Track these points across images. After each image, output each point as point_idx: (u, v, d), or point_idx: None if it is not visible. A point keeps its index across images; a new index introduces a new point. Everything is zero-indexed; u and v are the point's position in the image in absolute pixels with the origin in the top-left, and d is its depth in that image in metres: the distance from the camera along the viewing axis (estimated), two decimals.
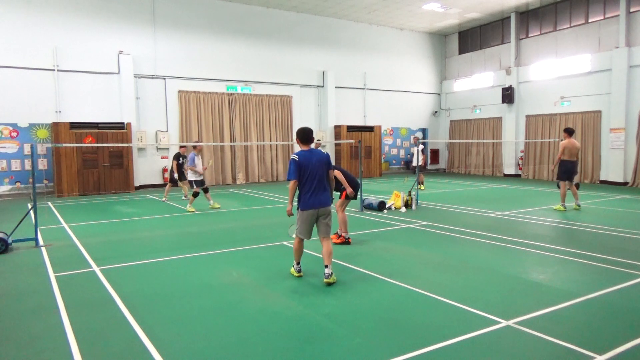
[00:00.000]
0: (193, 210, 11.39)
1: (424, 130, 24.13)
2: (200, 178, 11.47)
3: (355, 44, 21.39)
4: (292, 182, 5.42)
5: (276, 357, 3.68)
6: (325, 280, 5.34)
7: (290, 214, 5.51)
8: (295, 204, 5.55)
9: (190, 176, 11.51)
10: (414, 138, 15.37)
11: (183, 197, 13.57)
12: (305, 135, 5.49)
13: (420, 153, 13.93)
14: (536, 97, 19.70)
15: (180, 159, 13.02)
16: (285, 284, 5.56)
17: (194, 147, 11.62)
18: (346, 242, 7.48)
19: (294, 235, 7.11)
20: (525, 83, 20.15)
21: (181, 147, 13.21)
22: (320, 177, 5.43)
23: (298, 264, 5.74)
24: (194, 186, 11.43)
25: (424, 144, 16.60)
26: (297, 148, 20.73)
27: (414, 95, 23.57)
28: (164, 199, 13.36)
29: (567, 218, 9.87)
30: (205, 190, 11.61)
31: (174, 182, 13.51)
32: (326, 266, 5.38)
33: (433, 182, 18.22)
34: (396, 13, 20.07)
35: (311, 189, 5.38)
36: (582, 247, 7.12)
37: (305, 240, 5.62)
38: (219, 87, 18.28)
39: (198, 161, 11.37)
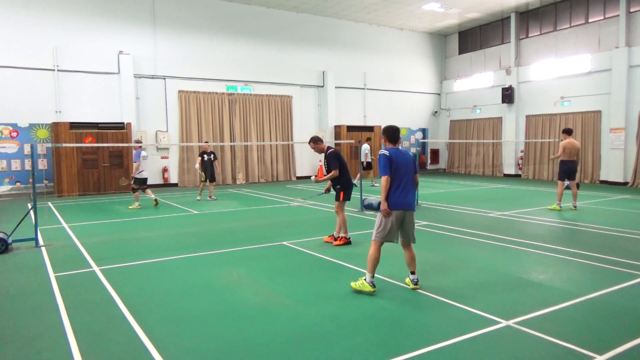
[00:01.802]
0: (136, 206, 11.72)
1: (424, 130, 24.14)
2: (139, 177, 11.82)
3: (355, 44, 21.39)
4: (385, 178, 5.02)
5: (276, 357, 3.67)
6: (413, 286, 5.18)
7: (386, 215, 5.02)
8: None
9: (135, 173, 11.87)
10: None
11: (213, 198, 13.39)
12: (393, 134, 5.27)
13: None
14: (536, 97, 19.70)
15: (205, 156, 13.01)
16: (285, 284, 5.56)
17: (140, 145, 11.99)
18: (347, 242, 7.49)
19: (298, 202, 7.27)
20: (525, 83, 20.15)
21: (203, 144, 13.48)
22: (409, 176, 5.14)
23: (373, 276, 5.06)
24: (134, 183, 11.95)
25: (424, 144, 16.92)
26: (297, 148, 20.61)
27: (414, 95, 23.57)
28: (210, 198, 13.22)
29: (567, 218, 9.88)
30: (143, 190, 11.94)
31: (206, 180, 13.15)
32: (412, 272, 5.23)
33: (433, 182, 18.23)
34: (396, 13, 20.07)
35: (400, 186, 5.04)
36: (582, 247, 7.12)
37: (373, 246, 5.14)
38: (219, 87, 18.28)
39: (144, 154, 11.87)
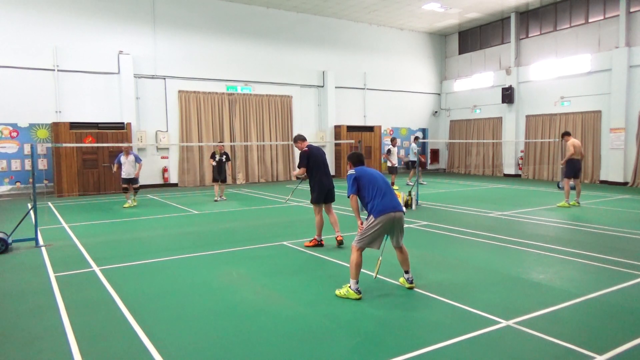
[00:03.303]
0: (128, 205, 12.04)
1: (424, 130, 24.14)
2: (125, 177, 12.02)
3: (355, 44, 21.39)
4: (352, 197, 5.13)
5: (276, 357, 3.68)
6: (409, 285, 5.21)
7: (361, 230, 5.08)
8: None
9: (122, 174, 12.10)
10: (392, 140, 16.40)
11: (223, 198, 13.42)
12: (358, 158, 5.42)
13: (395, 154, 16.30)
14: (536, 97, 19.70)
15: (217, 156, 13.07)
16: (285, 284, 5.56)
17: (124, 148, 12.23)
18: (318, 244, 7.33)
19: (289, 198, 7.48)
20: (525, 83, 20.14)
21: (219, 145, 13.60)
22: (385, 183, 5.14)
23: (357, 282, 4.97)
24: (122, 183, 12.31)
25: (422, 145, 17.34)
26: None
27: (414, 95, 23.57)
28: (217, 199, 13.20)
29: (567, 218, 9.88)
30: (135, 189, 12.10)
31: (216, 180, 13.21)
32: (406, 272, 5.24)
33: (433, 182, 18.21)
34: (396, 13, 20.07)
35: (380, 193, 5.00)
36: (582, 247, 7.12)
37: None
38: (219, 87, 18.28)
39: (123, 159, 11.95)
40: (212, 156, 13.18)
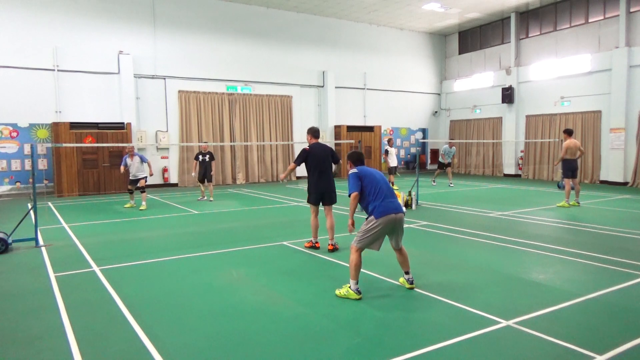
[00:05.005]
0: (129, 205, 12.03)
1: (424, 130, 24.14)
2: (131, 178, 11.93)
3: (355, 44, 21.39)
4: (353, 195, 5.02)
5: (276, 357, 3.68)
6: (409, 286, 5.21)
7: (351, 230, 5.17)
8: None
9: (130, 176, 12.01)
10: (388, 141, 16.68)
11: (210, 199, 13.37)
12: (358, 157, 5.40)
13: (394, 154, 16.65)
14: (536, 97, 19.70)
15: (200, 157, 13.11)
16: (285, 284, 5.56)
17: (126, 149, 12.21)
18: (313, 246, 7.24)
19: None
20: (525, 83, 20.15)
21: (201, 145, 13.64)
22: (386, 184, 5.11)
23: (357, 282, 4.96)
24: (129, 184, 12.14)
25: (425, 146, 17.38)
26: (297, 148, 20.82)
27: (414, 95, 23.57)
28: (205, 198, 13.36)
29: (567, 218, 9.88)
30: (141, 190, 11.92)
31: (202, 181, 13.29)
32: (407, 272, 5.24)
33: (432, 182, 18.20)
34: (396, 13, 20.08)
35: (381, 194, 4.97)
36: (582, 247, 7.12)
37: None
38: (219, 87, 18.28)
39: (129, 162, 11.86)
40: (196, 157, 13.24)
